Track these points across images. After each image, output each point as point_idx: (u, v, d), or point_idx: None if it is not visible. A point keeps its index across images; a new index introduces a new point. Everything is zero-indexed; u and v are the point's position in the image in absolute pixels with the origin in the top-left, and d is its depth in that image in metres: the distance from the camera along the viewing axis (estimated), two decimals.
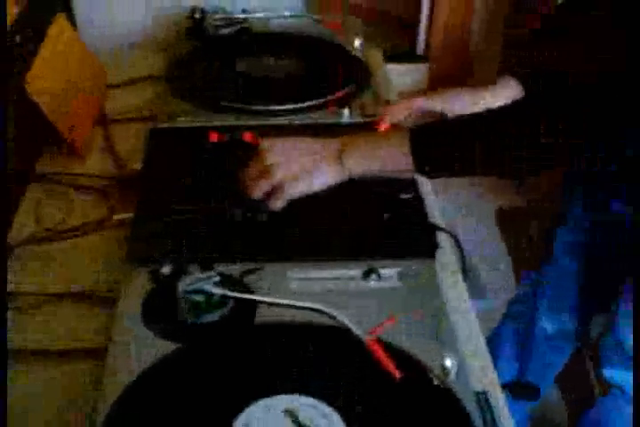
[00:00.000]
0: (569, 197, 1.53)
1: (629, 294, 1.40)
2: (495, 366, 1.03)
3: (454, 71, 3.47)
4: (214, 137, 1.35)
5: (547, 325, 1.69)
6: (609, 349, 1.51)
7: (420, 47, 3.57)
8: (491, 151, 1.06)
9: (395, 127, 1.35)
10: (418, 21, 3.50)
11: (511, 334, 1.77)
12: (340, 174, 1.11)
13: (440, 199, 1.37)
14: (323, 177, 1.11)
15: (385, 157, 1.10)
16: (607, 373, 1.54)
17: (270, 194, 1.13)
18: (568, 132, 1.00)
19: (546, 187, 2.55)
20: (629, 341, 1.44)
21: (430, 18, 3.45)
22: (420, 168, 1.09)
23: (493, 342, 1.77)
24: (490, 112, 1.09)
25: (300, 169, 1.11)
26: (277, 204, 1.13)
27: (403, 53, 3.56)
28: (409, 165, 1.09)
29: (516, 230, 2.66)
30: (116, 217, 1.26)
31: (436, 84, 3.47)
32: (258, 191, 1.13)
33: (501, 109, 1.10)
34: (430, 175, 1.13)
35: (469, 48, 3.48)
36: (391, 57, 3.36)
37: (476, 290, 2.18)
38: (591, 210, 1.47)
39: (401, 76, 3.39)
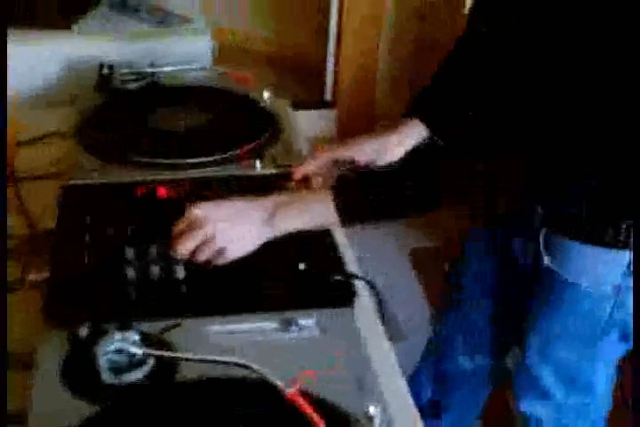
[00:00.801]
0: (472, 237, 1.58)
1: (537, 332, 1.43)
2: (418, 407, 1.05)
3: (362, 116, 3.53)
4: (127, 193, 1.35)
5: (463, 362, 1.72)
6: (524, 384, 1.53)
7: (328, 93, 3.62)
8: (399, 199, 1.18)
9: (308, 178, 1.39)
10: (324, 68, 3.56)
11: (430, 374, 1.79)
12: (270, 234, 1.17)
13: (353, 244, 1.39)
14: (257, 238, 1.17)
15: (312, 215, 1.18)
16: (523, 407, 1.56)
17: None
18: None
19: (454, 226, 2.60)
20: (543, 376, 1.47)
21: (336, 64, 3.51)
22: (344, 221, 1.18)
23: (414, 383, 1.78)
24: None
25: (238, 234, 1.15)
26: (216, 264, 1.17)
27: (311, 100, 3.61)
28: (334, 220, 1.17)
29: (429, 270, 2.70)
30: (29, 278, 1.24)
31: (345, 128, 3.53)
32: (202, 257, 1.16)
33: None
34: (353, 224, 1.21)
35: (376, 93, 3.55)
36: (299, 104, 3.42)
37: (396, 333, 2.20)
38: (492, 253, 1.50)
39: (310, 122, 3.43)
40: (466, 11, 2.79)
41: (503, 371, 1.70)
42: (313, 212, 1.18)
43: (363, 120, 3.51)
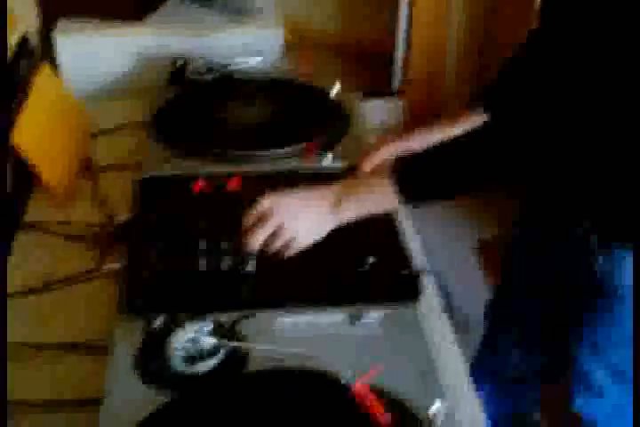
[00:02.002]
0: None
1: (589, 334, 1.42)
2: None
3: (430, 105, 3.52)
4: (199, 185, 1.38)
5: (516, 356, 1.71)
6: (577, 382, 1.52)
7: (396, 82, 3.62)
8: (460, 175, 1.17)
9: (374, 171, 1.40)
10: (394, 56, 3.56)
11: (487, 368, 1.79)
12: (335, 222, 1.18)
13: (421, 234, 1.40)
14: (323, 228, 1.18)
15: (374, 200, 1.18)
16: (578, 405, 1.55)
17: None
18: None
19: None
20: (597, 376, 1.45)
21: (406, 53, 3.51)
22: (405, 200, 1.17)
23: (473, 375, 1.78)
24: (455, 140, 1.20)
25: (305, 224, 1.17)
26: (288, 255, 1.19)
27: (380, 89, 3.62)
28: (394, 203, 1.17)
29: (497, 261, 2.68)
30: (105, 267, 1.28)
31: (413, 118, 3.53)
32: (272, 248, 1.18)
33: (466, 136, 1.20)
34: (415, 204, 1.20)
35: (445, 82, 3.54)
36: (368, 93, 3.43)
37: (460, 325, 2.20)
38: (540, 253, 1.49)
39: (378, 111, 3.44)
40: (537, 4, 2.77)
41: (559, 367, 1.68)
42: (375, 197, 1.18)
43: (430, 109, 3.51)
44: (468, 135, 1.20)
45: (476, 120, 1.43)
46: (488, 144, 1.14)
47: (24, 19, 1.80)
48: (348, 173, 1.42)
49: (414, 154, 1.27)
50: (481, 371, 1.79)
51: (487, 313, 1.76)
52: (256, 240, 1.17)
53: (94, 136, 1.71)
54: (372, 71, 3.77)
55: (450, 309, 1.25)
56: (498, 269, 2.24)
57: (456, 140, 1.20)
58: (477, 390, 1.76)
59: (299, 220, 1.17)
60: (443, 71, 3.50)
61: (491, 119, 1.40)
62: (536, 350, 1.68)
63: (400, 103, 3.57)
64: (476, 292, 2.55)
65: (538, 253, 1.49)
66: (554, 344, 1.64)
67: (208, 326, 1.03)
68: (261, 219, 1.17)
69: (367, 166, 1.41)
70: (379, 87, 3.64)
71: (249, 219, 1.18)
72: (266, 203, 1.18)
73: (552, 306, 1.55)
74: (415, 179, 1.18)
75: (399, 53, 3.53)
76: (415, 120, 3.53)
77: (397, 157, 1.38)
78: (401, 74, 3.58)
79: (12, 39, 1.58)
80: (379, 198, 1.18)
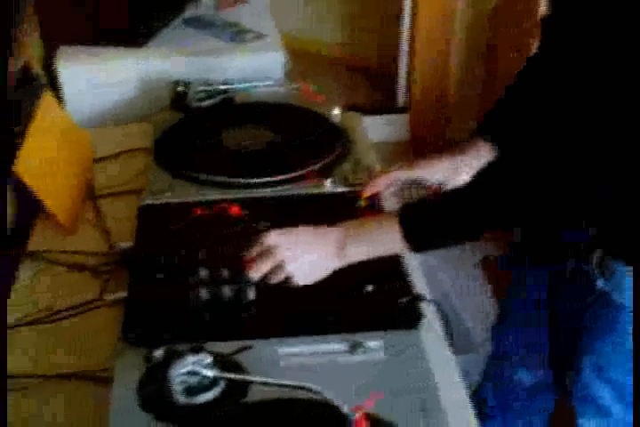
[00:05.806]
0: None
1: (591, 352, 1.42)
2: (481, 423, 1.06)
3: (434, 121, 3.53)
4: (199, 212, 1.39)
5: (523, 376, 1.70)
6: (581, 400, 1.51)
7: (400, 99, 3.63)
8: (467, 223, 1.17)
9: (374, 198, 1.42)
10: (397, 73, 3.57)
11: (493, 388, 1.78)
12: (340, 265, 1.19)
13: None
14: (325, 269, 1.19)
15: (380, 245, 1.18)
16: (582, 423, 1.54)
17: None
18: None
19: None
20: (600, 394, 1.45)
21: (409, 69, 3.52)
22: (412, 248, 1.18)
23: (479, 396, 1.77)
24: (463, 188, 1.20)
25: (306, 266, 1.18)
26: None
27: (384, 105, 3.63)
28: (403, 248, 1.18)
29: (500, 279, 2.68)
30: (107, 297, 1.29)
31: (418, 133, 3.54)
32: (271, 282, 1.19)
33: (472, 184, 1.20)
34: (423, 252, 1.22)
35: (449, 97, 3.54)
36: (373, 109, 3.43)
37: (465, 344, 2.20)
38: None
39: (383, 127, 3.45)
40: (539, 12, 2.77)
41: (564, 388, 1.67)
42: (381, 241, 1.18)
43: (435, 125, 3.51)
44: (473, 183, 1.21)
45: (481, 149, 1.43)
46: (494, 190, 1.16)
47: (25, 46, 1.82)
48: (349, 199, 1.43)
49: (419, 201, 1.26)
50: (488, 391, 1.79)
51: (494, 331, 1.75)
52: (255, 274, 1.18)
53: (96, 162, 1.72)
54: (377, 87, 3.79)
55: (451, 336, 1.25)
56: (503, 285, 2.23)
57: (459, 190, 1.21)
58: (487, 411, 1.77)
59: (298, 263, 1.17)
60: (446, 86, 3.50)
61: (495, 157, 1.40)
62: (543, 368, 1.67)
63: (404, 119, 3.58)
64: (483, 309, 2.55)
65: (538, 268, 1.49)
66: (562, 361, 1.63)
67: (207, 357, 1.03)
68: (263, 254, 1.18)
69: (368, 192, 1.42)
70: (383, 103, 3.66)
71: (252, 252, 1.19)
72: (270, 239, 1.19)
73: (557, 321, 1.55)
74: (420, 229, 1.19)
75: (402, 69, 3.54)
76: (420, 136, 3.54)
77: (404, 204, 1.39)
78: (404, 90, 3.59)
79: (14, 67, 1.59)
80: (384, 243, 1.19)
